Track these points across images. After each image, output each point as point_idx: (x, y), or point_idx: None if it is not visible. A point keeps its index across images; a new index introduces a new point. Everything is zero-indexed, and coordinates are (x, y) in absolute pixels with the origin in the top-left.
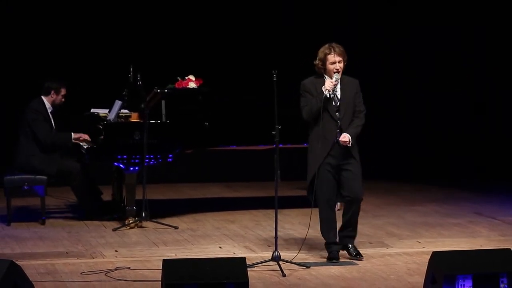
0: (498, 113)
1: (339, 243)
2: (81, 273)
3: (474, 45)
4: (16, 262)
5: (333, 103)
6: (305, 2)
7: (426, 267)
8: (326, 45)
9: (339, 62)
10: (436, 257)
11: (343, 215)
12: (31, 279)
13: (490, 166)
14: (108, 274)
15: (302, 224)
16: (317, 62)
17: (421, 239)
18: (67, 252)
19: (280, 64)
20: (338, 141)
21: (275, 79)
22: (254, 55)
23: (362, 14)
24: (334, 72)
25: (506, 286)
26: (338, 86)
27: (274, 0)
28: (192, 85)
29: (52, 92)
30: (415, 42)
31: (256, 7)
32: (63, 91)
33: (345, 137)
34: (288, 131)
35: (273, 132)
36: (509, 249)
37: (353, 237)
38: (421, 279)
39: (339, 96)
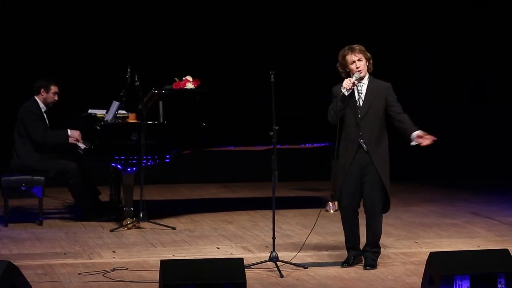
0: (496, 113)
1: (358, 250)
2: (78, 274)
3: (474, 45)
4: (14, 263)
5: (357, 105)
6: (304, 2)
7: (424, 267)
8: (345, 47)
9: (359, 60)
10: (434, 257)
11: (367, 230)
12: (28, 280)
13: (487, 166)
14: (105, 275)
15: (300, 224)
16: (338, 66)
17: (419, 239)
18: (64, 253)
19: (277, 64)
20: (361, 144)
21: (272, 79)
22: (251, 55)
23: (363, 14)
24: (355, 71)
25: (503, 286)
26: (364, 88)
27: (271, 1)
28: (189, 85)
29: (42, 90)
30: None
31: (253, 7)
32: (53, 89)
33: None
34: (285, 131)
35: (270, 133)
36: (507, 249)
37: (377, 256)
38: (418, 280)
39: (363, 98)
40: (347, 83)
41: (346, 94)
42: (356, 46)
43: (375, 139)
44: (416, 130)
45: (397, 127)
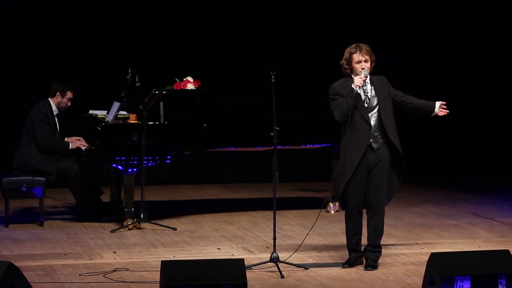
0: (496, 113)
1: (359, 251)
2: (79, 275)
3: (475, 44)
4: (15, 264)
5: (365, 105)
6: (304, 3)
7: (425, 268)
8: (353, 45)
9: (365, 61)
10: (435, 258)
11: (369, 229)
12: (29, 281)
13: (488, 166)
14: (106, 276)
15: (301, 225)
16: (342, 61)
17: (419, 240)
18: (65, 254)
19: (278, 65)
20: (371, 145)
21: (273, 80)
22: (252, 56)
23: (363, 14)
24: (361, 70)
25: (504, 287)
26: (369, 87)
27: (271, 1)
28: (190, 86)
29: (58, 94)
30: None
31: (252, 8)
32: (69, 94)
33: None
34: (286, 132)
35: (271, 134)
36: (508, 250)
37: (378, 256)
38: (419, 281)
39: (369, 97)
40: (358, 80)
41: (359, 91)
42: (364, 46)
43: (392, 133)
44: (434, 102)
45: (412, 108)
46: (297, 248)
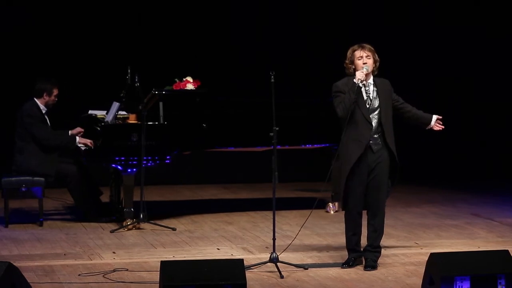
0: (496, 113)
1: (359, 251)
2: (79, 275)
3: (475, 45)
4: (14, 264)
5: (367, 105)
6: (306, 4)
7: (424, 268)
8: (356, 44)
9: (367, 56)
10: (434, 258)
11: (369, 229)
12: (29, 281)
13: (488, 167)
14: (106, 276)
15: (300, 225)
16: (346, 61)
17: (419, 240)
18: (65, 254)
19: (277, 65)
20: (370, 146)
21: (272, 80)
22: (252, 56)
23: (364, 15)
24: (363, 65)
25: (504, 287)
26: (372, 88)
27: (271, 2)
28: (190, 86)
29: (45, 94)
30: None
31: (253, 8)
32: (55, 92)
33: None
34: (285, 132)
35: (270, 134)
36: (507, 250)
37: (378, 256)
38: (419, 281)
39: (371, 98)
40: (360, 74)
41: (361, 85)
42: (366, 45)
43: (390, 136)
44: (431, 115)
45: (409, 117)
46: (289, 244)
